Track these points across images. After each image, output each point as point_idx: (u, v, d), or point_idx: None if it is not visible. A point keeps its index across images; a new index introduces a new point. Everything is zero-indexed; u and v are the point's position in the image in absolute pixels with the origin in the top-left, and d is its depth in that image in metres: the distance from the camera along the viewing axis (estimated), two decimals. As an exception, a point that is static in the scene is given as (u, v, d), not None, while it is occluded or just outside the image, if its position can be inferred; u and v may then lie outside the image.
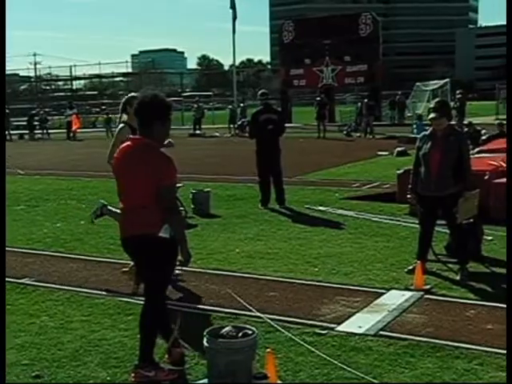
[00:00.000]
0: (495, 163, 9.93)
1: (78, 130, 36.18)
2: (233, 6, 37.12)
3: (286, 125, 12.44)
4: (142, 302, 4.50)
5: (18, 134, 37.81)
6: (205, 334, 4.12)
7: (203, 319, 5.41)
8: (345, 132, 30.40)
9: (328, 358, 4.43)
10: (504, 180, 9.29)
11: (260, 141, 11.01)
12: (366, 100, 31.08)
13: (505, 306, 5.52)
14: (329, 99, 36.00)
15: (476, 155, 11.48)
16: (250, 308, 5.36)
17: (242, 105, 38.05)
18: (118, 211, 6.91)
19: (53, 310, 5.79)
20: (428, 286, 6.13)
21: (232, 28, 37.75)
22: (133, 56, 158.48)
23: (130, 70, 65.70)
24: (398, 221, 9.27)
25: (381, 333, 5.00)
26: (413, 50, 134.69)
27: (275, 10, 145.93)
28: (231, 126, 34.88)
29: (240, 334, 4.07)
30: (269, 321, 5.10)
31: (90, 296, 6.19)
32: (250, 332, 4.11)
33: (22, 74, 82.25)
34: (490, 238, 7.84)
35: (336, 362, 4.38)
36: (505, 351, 4.52)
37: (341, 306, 5.66)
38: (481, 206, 7.26)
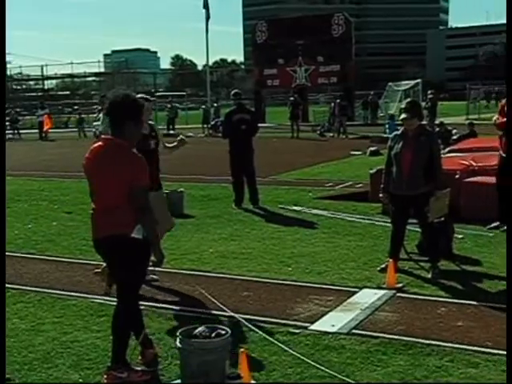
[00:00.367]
0: (466, 162, 10.06)
1: (50, 130, 35.81)
2: (206, 6, 37.01)
3: (260, 125, 12.46)
4: (114, 303, 4.47)
5: (-13, 134, 37.21)
6: (178, 334, 4.12)
7: (177, 320, 5.40)
8: (318, 132, 30.54)
9: (301, 357, 4.45)
10: (474, 179, 9.44)
11: (233, 141, 11.01)
12: (338, 100, 31.26)
13: (475, 303, 5.64)
14: (302, 99, 36.15)
15: (447, 155, 11.63)
16: (224, 308, 5.36)
17: (215, 105, 38.00)
18: None
19: (24, 312, 5.73)
20: (400, 285, 6.19)
21: (205, 28, 37.65)
22: (105, 56, 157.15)
23: (102, 70, 64.96)
24: (371, 220, 9.34)
25: (353, 331, 5.04)
26: (385, 51, 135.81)
27: (248, 11, 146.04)
28: (205, 126, 34.82)
29: (213, 334, 4.06)
30: (242, 320, 5.10)
31: (61, 297, 6.13)
32: (223, 332, 4.11)
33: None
34: (460, 236, 7.93)
35: (309, 361, 4.39)
36: (475, 347, 4.61)
37: (314, 305, 5.69)
38: (451, 205, 7.35)
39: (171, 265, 7.03)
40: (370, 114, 37.87)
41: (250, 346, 4.73)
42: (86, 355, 4.69)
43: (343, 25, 36.88)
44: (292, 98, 31.78)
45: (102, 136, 4.62)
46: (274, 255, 7.55)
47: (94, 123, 32.34)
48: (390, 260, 6.47)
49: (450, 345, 4.68)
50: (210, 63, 55.08)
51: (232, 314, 5.26)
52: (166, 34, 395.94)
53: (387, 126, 25.82)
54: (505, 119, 8.40)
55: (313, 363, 4.36)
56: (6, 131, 37.60)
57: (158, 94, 60.77)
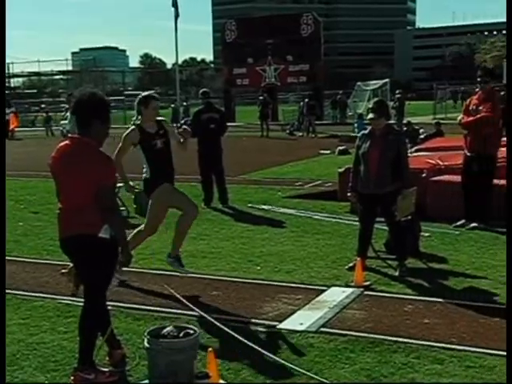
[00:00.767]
0: (432, 161, 10.18)
1: (16, 129, 35.30)
2: (175, 5, 36.80)
3: (230, 124, 12.46)
4: (81, 304, 4.43)
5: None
6: (145, 334, 4.10)
7: (145, 320, 5.36)
8: (288, 131, 30.65)
9: (270, 356, 4.46)
10: (440, 178, 9.57)
11: (202, 140, 10.98)
12: (306, 100, 31.40)
13: (441, 300, 5.72)
14: (272, 98, 36.20)
15: (414, 154, 11.76)
16: (193, 307, 5.35)
17: (184, 104, 37.91)
18: (130, 239, 6.79)
19: (-11, 314, 5.63)
20: (368, 283, 6.24)
21: (174, 26, 37.44)
22: (73, 54, 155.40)
23: (70, 68, 64.21)
24: (340, 219, 9.40)
25: (322, 329, 5.07)
26: (354, 51, 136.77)
27: (217, 9, 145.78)
28: (174, 124, 34.66)
29: (181, 334, 4.05)
30: (212, 320, 5.09)
31: (28, 299, 6.05)
32: (191, 332, 4.10)
33: (-44, 71, 79.53)
34: (427, 234, 8.03)
35: (278, 359, 4.41)
36: (440, 344, 4.68)
37: (282, 304, 5.71)
38: (418, 204, 7.44)
39: (140, 265, 6.99)
40: (339, 114, 38.13)
41: (219, 345, 4.73)
42: (53, 357, 4.64)
43: (312, 24, 37.05)
44: (261, 97, 31.83)
45: (69, 135, 4.58)
46: (242, 254, 7.55)
47: (62, 122, 32.02)
48: (358, 258, 6.53)
49: (416, 342, 4.74)
50: (180, 62, 54.93)
51: (201, 313, 5.25)
52: (134, 33, 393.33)
53: (356, 125, 26.01)
54: (470, 118, 8.53)
55: (281, 361, 4.37)
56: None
57: (126, 92, 60.32)
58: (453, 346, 4.63)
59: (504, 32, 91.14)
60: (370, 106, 6.91)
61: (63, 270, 6.29)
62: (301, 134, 29.80)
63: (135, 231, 6.61)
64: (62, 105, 44.48)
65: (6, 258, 7.68)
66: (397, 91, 30.46)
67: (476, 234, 8.20)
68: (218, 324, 5.01)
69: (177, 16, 37.09)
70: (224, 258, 7.44)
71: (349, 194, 6.97)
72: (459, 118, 8.84)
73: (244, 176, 14.80)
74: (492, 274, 6.46)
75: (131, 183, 6.71)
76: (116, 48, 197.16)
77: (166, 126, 6.41)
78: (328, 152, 19.76)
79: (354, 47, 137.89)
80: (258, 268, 6.95)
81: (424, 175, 9.42)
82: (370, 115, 6.65)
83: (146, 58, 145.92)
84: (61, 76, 65.83)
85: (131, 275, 6.52)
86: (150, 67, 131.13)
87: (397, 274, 6.55)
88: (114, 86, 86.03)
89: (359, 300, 5.80)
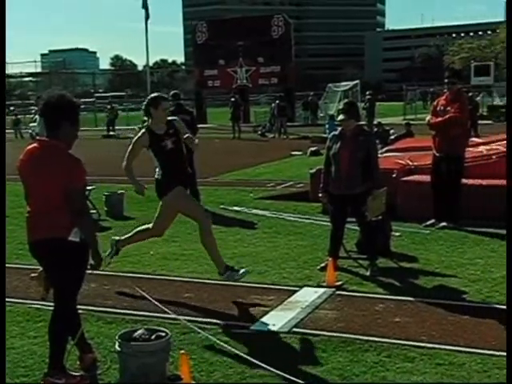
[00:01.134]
0: (402, 162, 10.28)
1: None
2: (145, 6, 36.65)
3: (201, 126, 12.44)
4: (51, 308, 4.38)
5: None
6: (117, 337, 4.07)
7: (116, 323, 5.33)
8: (259, 133, 30.71)
9: (243, 357, 4.46)
10: (410, 178, 9.67)
11: (173, 141, 10.92)
12: (277, 101, 31.50)
13: (412, 299, 5.78)
14: (243, 100, 36.27)
15: (384, 154, 11.87)
16: (165, 310, 5.33)
17: (156, 105, 37.64)
18: (130, 234, 6.68)
19: (-43, 320, 5.54)
20: (339, 283, 6.28)
21: (145, 28, 37.29)
22: (42, 55, 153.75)
23: (39, 70, 63.67)
24: (311, 219, 9.44)
25: (294, 330, 5.09)
26: (324, 52, 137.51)
27: (188, 11, 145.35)
28: (145, 127, 34.44)
29: (153, 337, 4.04)
30: (184, 322, 5.08)
31: (-3, 304, 5.96)
32: (163, 334, 4.09)
33: None
34: (397, 234, 8.11)
35: (251, 359, 4.41)
36: (411, 342, 4.73)
37: (255, 305, 5.71)
38: (389, 204, 7.51)
39: (110, 268, 6.92)
40: (310, 115, 38.30)
41: (191, 347, 4.72)
42: (23, 362, 4.58)
43: (283, 26, 37.18)
44: (233, 99, 31.84)
45: (37, 137, 4.53)
46: (215, 256, 7.53)
47: (31, 124, 31.61)
48: (330, 259, 6.57)
49: (387, 340, 4.78)
50: (151, 64, 54.61)
51: (173, 315, 5.23)
52: (105, 34, 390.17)
53: (327, 126, 26.13)
54: (438, 119, 8.64)
55: (254, 360, 4.38)
56: None
57: (97, 94, 59.89)
58: (423, 344, 4.68)
59: (471, 34, 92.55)
60: (340, 107, 6.97)
61: (33, 274, 6.22)
62: (272, 135, 29.87)
63: (141, 228, 6.52)
64: (31, 107, 43.95)
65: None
66: (367, 92, 30.72)
67: (445, 233, 8.30)
68: (191, 325, 5.00)
69: (147, 17, 36.97)
70: (196, 259, 7.42)
71: (320, 195, 7.01)
72: (427, 118, 8.95)
73: (216, 178, 14.78)
74: (461, 272, 6.54)
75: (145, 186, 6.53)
76: (86, 50, 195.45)
77: (176, 125, 6.21)
78: (299, 153, 19.84)
79: (325, 49, 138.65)
80: (231, 269, 6.94)
81: (394, 175, 9.50)
82: (340, 116, 6.70)
83: (117, 60, 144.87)
84: (30, 78, 65.12)
85: (102, 278, 6.46)
86: (121, 69, 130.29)
87: (368, 273, 6.60)
88: (85, 87, 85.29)
89: (331, 300, 5.83)
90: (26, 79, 69.27)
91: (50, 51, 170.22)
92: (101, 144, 27.91)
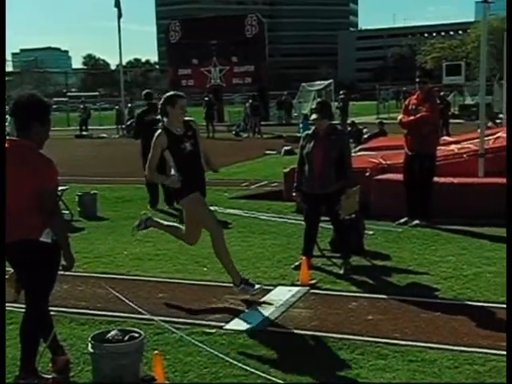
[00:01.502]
0: (375, 161, 10.36)
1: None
2: (117, 5, 36.34)
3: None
4: (23, 310, 4.33)
5: None
6: (89, 339, 4.04)
7: (89, 324, 5.28)
8: (233, 132, 30.69)
9: (217, 356, 4.46)
10: (383, 176, 9.75)
11: (146, 142, 10.85)
12: (250, 101, 31.52)
13: (385, 296, 5.83)
14: (217, 99, 36.19)
15: (358, 153, 11.95)
16: (139, 310, 5.31)
17: (129, 105, 37.44)
18: (165, 223, 6.53)
19: None
20: (313, 281, 6.31)
21: (117, 27, 36.96)
22: (13, 54, 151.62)
23: (10, 69, 62.91)
24: (286, 218, 9.47)
25: (268, 329, 5.10)
26: (298, 52, 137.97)
27: (161, 10, 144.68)
28: (119, 126, 34.26)
29: (126, 338, 4.02)
30: (159, 322, 5.06)
31: (-33, 306, 5.87)
32: (136, 335, 4.07)
33: None
34: (371, 232, 8.17)
35: (226, 358, 4.41)
36: (384, 340, 4.77)
37: (229, 305, 5.72)
38: (362, 202, 7.56)
39: (83, 268, 6.89)
40: (284, 114, 38.36)
41: (166, 347, 4.70)
42: (-6, 365, 4.52)
43: (256, 26, 37.17)
44: (207, 99, 31.78)
45: (8, 137, 4.47)
46: (189, 256, 7.52)
47: (2, 124, 31.14)
48: (304, 257, 6.59)
49: (360, 338, 4.82)
50: (124, 63, 54.18)
51: (148, 315, 5.21)
52: (77, 33, 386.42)
53: (301, 125, 26.21)
54: (410, 118, 8.72)
55: (229, 359, 4.38)
56: None
57: (69, 94, 59.33)
58: (396, 342, 4.72)
59: (443, 34, 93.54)
60: (313, 106, 6.99)
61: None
62: (247, 134, 29.88)
63: (179, 225, 6.41)
64: (2, 107, 43.27)
65: None
66: (341, 92, 30.87)
67: (418, 231, 8.38)
68: (165, 325, 4.99)
69: (120, 16, 36.62)
70: (170, 259, 7.40)
71: (294, 194, 7.03)
72: (399, 117, 9.03)
73: (190, 177, 14.72)
74: (433, 269, 6.62)
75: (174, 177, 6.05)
76: (58, 49, 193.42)
77: (194, 127, 6.03)
78: (274, 152, 19.87)
79: (298, 48, 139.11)
80: (205, 269, 6.95)
81: (367, 174, 9.56)
82: (313, 116, 6.72)
83: (90, 59, 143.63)
84: (1, 77, 64.22)
85: (75, 279, 6.41)
86: (94, 68, 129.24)
87: (342, 271, 6.64)
88: (57, 87, 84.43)
89: (305, 298, 5.86)
90: (-3, 78, 68.31)
91: (22, 50, 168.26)
92: (74, 144, 27.66)
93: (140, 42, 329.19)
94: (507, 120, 8.71)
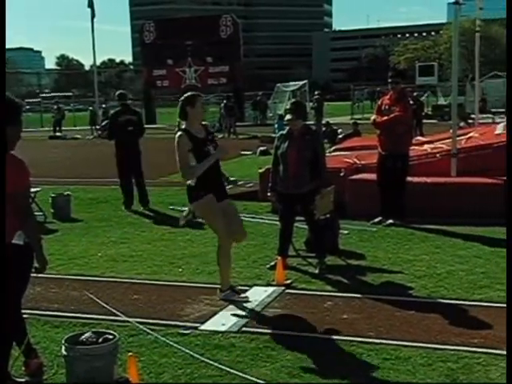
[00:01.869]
0: (350, 161, 10.42)
1: None
2: (90, 5, 36.08)
3: (151, 126, 12.34)
4: (-5, 313, 4.27)
5: None
6: (63, 341, 4.00)
7: (63, 327, 5.23)
8: (210, 132, 30.59)
9: (193, 356, 4.45)
10: (358, 176, 9.81)
11: (120, 142, 10.83)
12: (224, 101, 31.48)
13: (359, 295, 5.87)
14: (192, 100, 36.02)
15: (333, 153, 12.02)
16: (114, 312, 5.27)
17: (104, 106, 37.20)
18: None
19: None
20: (289, 281, 6.32)
21: (91, 27, 36.70)
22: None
23: (-19, 70, 61.93)
24: (261, 218, 9.48)
25: (244, 329, 5.10)
26: (273, 52, 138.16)
27: (136, 10, 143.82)
28: (93, 127, 34.00)
29: (100, 340, 3.98)
30: (134, 323, 5.04)
31: None
32: (110, 337, 4.03)
33: None
34: (346, 232, 8.21)
35: (201, 358, 4.40)
36: (359, 338, 4.80)
37: (205, 305, 5.71)
38: (337, 202, 7.60)
39: (57, 270, 6.83)
40: (259, 115, 38.40)
41: (140, 349, 4.68)
42: (-34, 369, 4.45)
43: (231, 26, 37.12)
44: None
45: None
46: (164, 257, 7.50)
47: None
48: (279, 257, 6.60)
49: (335, 337, 4.84)
50: (98, 63, 53.90)
51: (122, 317, 5.18)
52: (50, 34, 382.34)
53: (276, 126, 26.25)
54: (384, 118, 8.78)
55: (205, 359, 4.37)
56: None
57: (43, 94, 58.75)
58: (370, 340, 4.75)
59: (416, 35, 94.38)
60: (288, 107, 7.01)
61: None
62: (222, 135, 29.82)
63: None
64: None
65: None
66: (315, 92, 30.99)
67: (392, 230, 8.45)
68: (140, 327, 4.96)
69: (93, 16, 36.39)
70: (145, 261, 7.36)
71: (269, 194, 7.04)
72: (372, 117, 9.08)
73: (165, 178, 14.66)
74: (407, 268, 6.67)
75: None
76: (31, 49, 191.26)
77: (211, 130, 5.91)
78: (249, 153, 19.88)
79: (273, 49, 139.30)
80: (180, 270, 6.92)
81: (342, 174, 9.61)
82: (288, 116, 6.74)
83: (63, 60, 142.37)
84: (-28, 78, 63.35)
85: (49, 281, 6.34)
86: (67, 69, 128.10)
87: (317, 271, 6.66)
88: (30, 88, 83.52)
89: (280, 298, 5.87)
90: (-32, 79, 67.31)
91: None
92: (48, 145, 27.37)
93: (114, 43, 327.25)
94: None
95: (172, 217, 10.07)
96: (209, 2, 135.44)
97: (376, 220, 8.80)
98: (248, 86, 45.25)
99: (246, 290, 6.07)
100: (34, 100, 54.90)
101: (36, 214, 8.21)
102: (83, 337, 4.03)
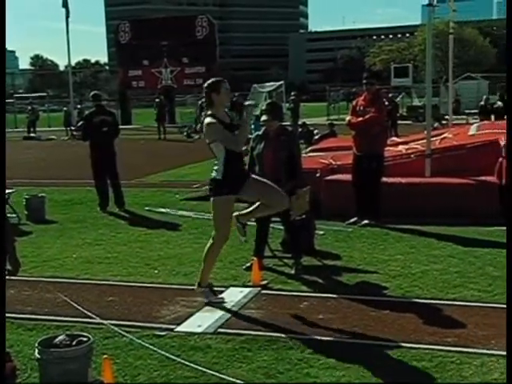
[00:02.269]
0: (326, 161, 10.45)
1: None
2: (65, 5, 35.74)
3: (126, 126, 12.28)
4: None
5: None
6: (36, 344, 3.96)
7: (37, 330, 5.17)
8: (185, 133, 30.54)
9: (170, 357, 4.43)
10: (333, 177, 9.85)
11: (94, 143, 10.75)
12: (200, 102, 31.40)
13: (335, 295, 5.89)
14: (169, 100, 35.95)
15: (309, 154, 12.05)
16: (89, 314, 5.23)
17: (79, 106, 36.89)
18: (251, 208, 6.17)
19: None
20: (265, 282, 6.33)
21: (66, 27, 36.35)
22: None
23: (-47, 70, 61.03)
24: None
25: (220, 330, 5.09)
26: (249, 53, 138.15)
27: (111, 10, 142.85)
28: (67, 128, 33.69)
29: (74, 342, 3.95)
30: (109, 325, 5.00)
31: None
32: (85, 339, 4.00)
33: None
34: (321, 232, 8.24)
35: (177, 359, 4.39)
36: (334, 339, 4.82)
37: (180, 307, 5.69)
38: (312, 203, 7.63)
39: (30, 273, 6.75)
40: (236, 116, 38.31)
41: (115, 351, 4.64)
42: None
43: (207, 27, 37.10)
44: (157, 100, 31.55)
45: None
46: (140, 258, 7.46)
47: None
48: (255, 258, 6.61)
49: (311, 337, 4.85)
50: (73, 64, 53.41)
51: (97, 319, 5.14)
52: (24, 34, 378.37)
53: (253, 126, 26.23)
54: (359, 119, 8.83)
55: (181, 360, 4.36)
56: None
57: (16, 95, 58.12)
58: (346, 340, 4.77)
59: (391, 36, 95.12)
60: (263, 108, 7.03)
61: None
62: (198, 136, 29.73)
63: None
64: None
65: None
66: (292, 93, 31.10)
67: (367, 230, 8.50)
68: (115, 329, 4.93)
69: (67, 16, 36.05)
70: (121, 262, 7.32)
71: (245, 195, 7.02)
72: (347, 118, 9.13)
73: (141, 179, 14.62)
74: (382, 268, 6.72)
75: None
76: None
77: (232, 116, 5.79)
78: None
79: (249, 50, 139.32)
80: (156, 271, 6.89)
81: (318, 175, 9.64)
82: (264, 117, 6.76)
83: (37, 60, 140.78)
84: None
85: (22, 284, 6.28)
86: (42, 69, 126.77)
87: (293, 272, 6.68)
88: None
89: (256, 299, 5.87)
90: None
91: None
92: (22, 146, 27.04)
93: (89, 43, 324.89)
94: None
95: (148, 218, 10.02)
96: (184, 2, 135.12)
97: (351, 220, 8.85)
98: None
99: (223, 291, 6.06)
100: (8, 100, 54.19)
101: (10, 215, 8.15)
102: (57, 339, 3.99)
